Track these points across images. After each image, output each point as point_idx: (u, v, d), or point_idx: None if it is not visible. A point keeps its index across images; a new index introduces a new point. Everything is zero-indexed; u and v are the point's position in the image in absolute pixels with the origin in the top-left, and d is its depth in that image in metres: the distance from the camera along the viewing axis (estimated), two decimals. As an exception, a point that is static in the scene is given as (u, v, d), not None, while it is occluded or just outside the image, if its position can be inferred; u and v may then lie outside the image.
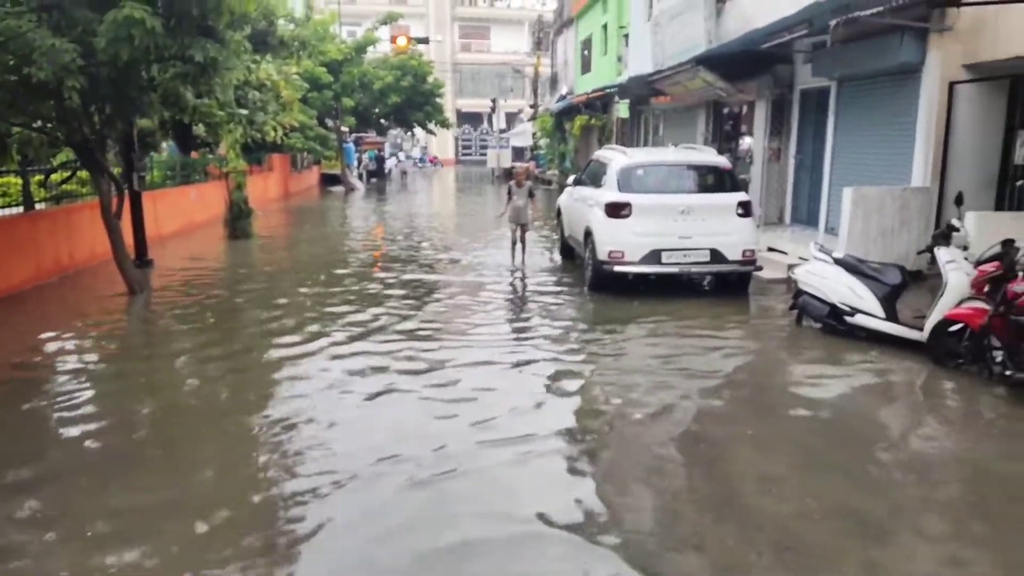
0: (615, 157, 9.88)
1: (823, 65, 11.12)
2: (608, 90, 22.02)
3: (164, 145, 17.14)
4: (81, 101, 7.76)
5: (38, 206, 10.67)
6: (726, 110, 15.87)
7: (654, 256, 8.86)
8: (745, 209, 9.13)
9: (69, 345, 7.28)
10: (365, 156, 36.71)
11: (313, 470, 4.39)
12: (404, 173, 42.53)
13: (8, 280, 9.15)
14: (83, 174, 10.71)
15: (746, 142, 14.85)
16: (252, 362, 6.76)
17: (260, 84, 16.43)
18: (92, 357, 7.02)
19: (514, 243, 11.71)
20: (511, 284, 10.31)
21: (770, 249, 11.10)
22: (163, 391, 6.04)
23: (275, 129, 18.12)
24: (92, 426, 5.21)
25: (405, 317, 8.13)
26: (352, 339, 7.23)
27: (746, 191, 10.61)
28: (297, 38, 16.86)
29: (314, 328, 7.68)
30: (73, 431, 5.13)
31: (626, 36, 21.76)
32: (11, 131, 8.32)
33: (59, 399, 5.74)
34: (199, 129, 15.74)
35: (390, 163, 41.85)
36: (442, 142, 55.32)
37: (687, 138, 16.17)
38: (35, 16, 7.14)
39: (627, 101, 21.71)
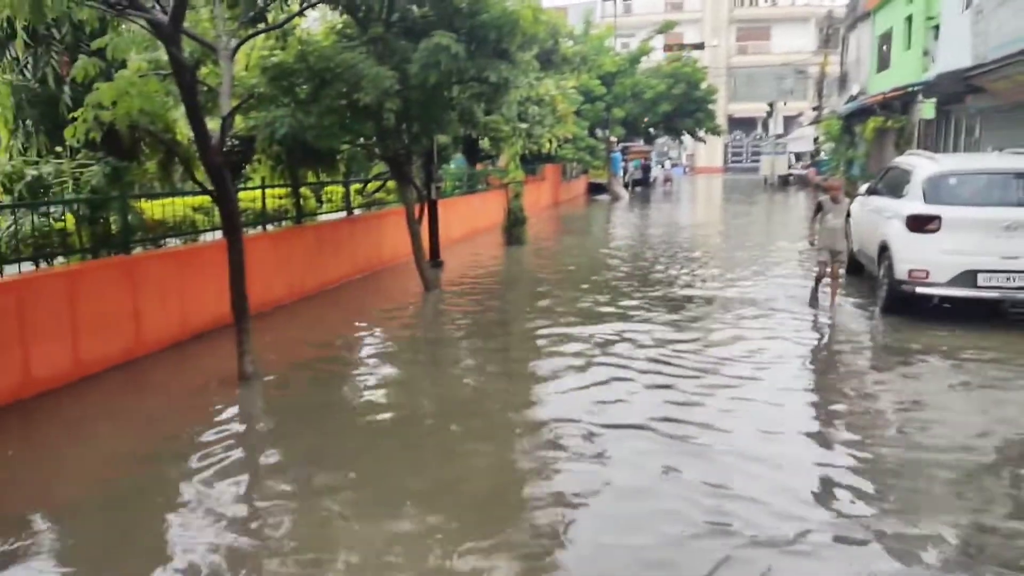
0: (921, 164, 8.80)
1: None
2: (911, 88, 19.75)
3: (454, 158, 18.81)
4: (396, 121, 8.84)
5: (355, 212, 12.32)
6: (1067, 107, 13.35)
7: (968, 278, 7.72)
8: (1091, 226, 7.59)
9: (376, 331, 8.42)
10: (631, 165, 36.98)
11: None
12: (667, 180, 42.10)
13: (331, 275, 10.67)
14: (390, 184, 12.13)
15: (1094, 145, 12.34)
16: (520, 357, 7.18)
17: (539, 99, 17.35)
18: (390, 345, 7.99)
19: (820, 278, 8.93)
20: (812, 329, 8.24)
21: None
22: (444, 376, 6.65)
23: (550, 141, 19.03)
24: (385, 407, 5.89)
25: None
26: (608, 352, 7.13)
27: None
28: (578, 54, 17.47)
29: (567, 329, 7.95)
30: (370, 407, 5.84)
31: (935, 28, 19.33)
32: (340, 148, 9.69)
33: (362, 377, 6.60)
34: (485, 143, 17.05)
35: (656, 172, 41.71)
36: (711, 150, 53.71)
37: (1014, 142, 13.85)
38: (365, 49, 8.24)
39: (933, 100, 19.25)
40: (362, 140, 9.63)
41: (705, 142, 40.09)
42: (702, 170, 54.76)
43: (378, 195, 12.88)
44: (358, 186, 12.43)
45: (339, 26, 9.26)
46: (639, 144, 38.74)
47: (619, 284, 10.81)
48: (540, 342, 7.65)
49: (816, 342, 7.79)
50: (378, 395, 6.27)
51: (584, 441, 4.97)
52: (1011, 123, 15.11)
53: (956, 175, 8.39)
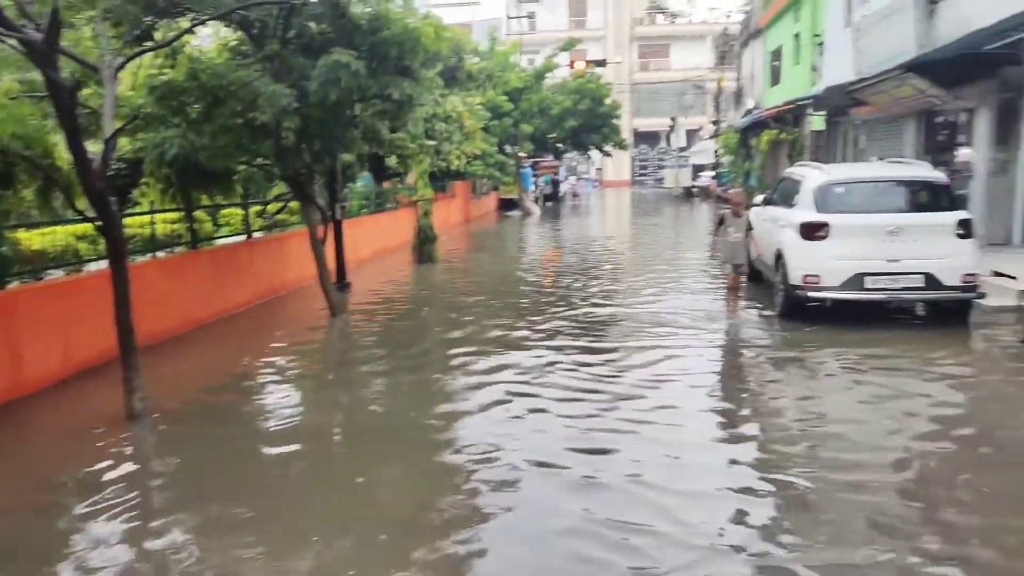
0: (810, 174, 9.23)
1: (1063, 63, 9.72)
2: (801, 102, 20.82)
3: (360, 176, 18.52)
4: (295, 139, 8.58)
5: (256, 235, 11.89)
6: (939, 119, 14.36)
7: (856, 281, 8.13)
8: (966, 229, 8.15)
9: (278, 359, 8.01)
10: (541, 180, 37.48)
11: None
12: (575, 195, 42.88)
13: (230, 301, 10.23)
14: (293, 205, 11.78)
15: (964, 154, 13.30)
16: (432, 382, 7.02)
17: (446, 116, 17.34)
18: (294, 372, 7.64)
19: (730, 288, 9.18)
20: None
21: (995, 273, 9.79)
22: (352, 405, 6.42)
23: (459, 158, 19.03)
24: (284, 434, 5.64)
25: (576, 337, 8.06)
26: (522, 374, 6.96)
27: (966, 208, 9.50)
28: (483, 71, 17.55)
29: (480, 350, 7.80)
30: (271, 440, 5.58)
31: (821, 44, 20.47)
32: (236, 169, 9.32)
33: (260, 408, 6.29)
34: (392, 160, 16.87)
35: (564, 186, 42.41)
36: (618, 164, 55.09)
37: (894, 151, 14.83)
38: (260, 66, 7.97)
39: (823, 113, 20.38)
40: (260, 160, 9.30)
41: (612, 156, 41.05)
42: (611, 184, 56.10)
43: (280, 216, 12.49)
44: (258, 208, 12.02)
45: (233, 43, 8.95)
46: (549, 159, 39.31)
47: (532, 303, 10.72)
48: (452, 366, 7.49)
49: (722, 357, 7.77)
50: (279, 428, 5.97)
51: (495, 471, 4.82)
52: (891, 134, 16.15)
53: (842, 184, 8.84)
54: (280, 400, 6.72)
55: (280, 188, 11.54)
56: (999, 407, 5.89)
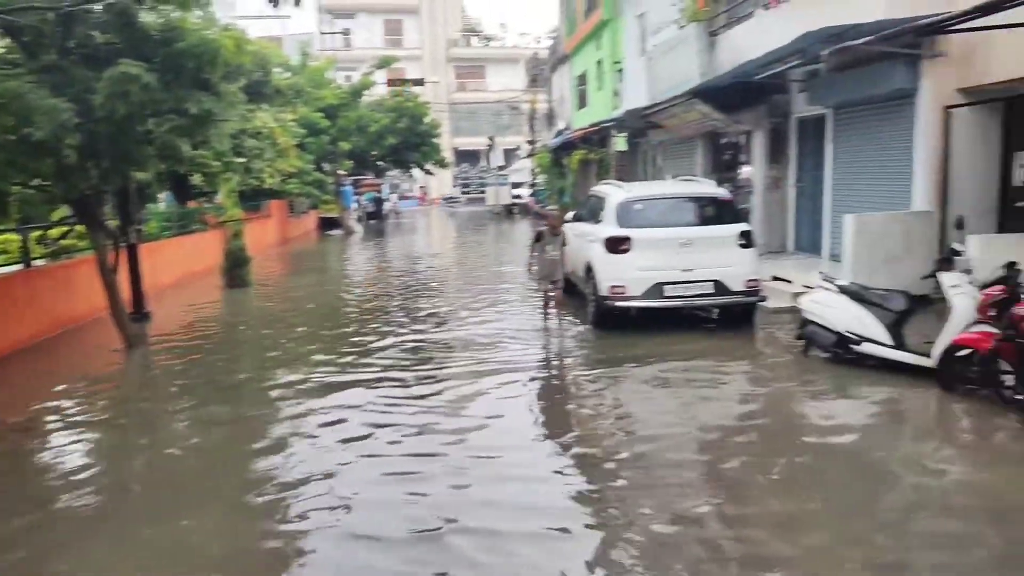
0: (613, 192, 9.86)
1: (818, 93, 11.18)
2: (605, 124, 22.17)
3: (161, 196, 17.21)
4: (79, 157, 7.77)
5: (36, 262, 10.66)
6: (724, 140, 15.94)
7: (656, 290, 8.78)
8: (747, 239, 9.07)
9: (64, 403, 7.16)
10: (363, 198, 36.93)
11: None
12: (397, 213, 42.76)
13: (7, 338, 9.08)
14: (81, 228, 10.70)
15: (746, 171, 14.86)
16: (241, 419, 6.62)
17: (256, 132, 16.59)
18: (84, 417, 6.86)
19: (546, 304, 9.64)
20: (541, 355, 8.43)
21: (774, 278, 10.97)
22: (152, 451, 5.93)
23: (272, 176, 18.27)
24: (79, 487, 5.10)
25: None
26: (343, 408, 6.56)
27: (747, 221, 10.58)
28: (293, 86, 17.02)
29: (301, 386, 7.35)
30: (61, 491, 5.01)
31: (621, 71, 21.98)
32: (10, 190, 8.31)
33: (48, 461, 5.61)
34: (196, 179, 15.83)
35: (388, 205, 42.11)
36: (441, 181, 55.66)
37: (686, 169, 16.21)
38: (34, 77, 7.18)
39: (625, 135, 21.85)
40: (38, 180, 8.36)
41: (434, 174, 41.34)
42: (436, 201, 56.45)
43: (67, 242, 11.27)
44: (39, 233, 10.78)
45: (0, 51, 8.00)
46: (370, 177, 38.83)
47: (352, 328, 10.43)
48: (263, 400, 7.06)
49: (546, 373, 7.78)
50: (63, 484, 5.28)
51: (313, 526, 4.41)
52: (684, 154, 17.68)
53: (641, 201, 9.52)
54: (61, 451, 5.94)
55: (65, 211, 10.44)
56: (776, 393, 6.66)
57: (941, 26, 7.77)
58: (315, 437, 5.90)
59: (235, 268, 14.38)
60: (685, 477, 4.88)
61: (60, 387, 7.72)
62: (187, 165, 10.83)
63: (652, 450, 5.31)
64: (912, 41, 8.78)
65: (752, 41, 11.92)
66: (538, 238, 9.38)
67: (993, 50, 8.28)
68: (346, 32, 49.26)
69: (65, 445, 6.06)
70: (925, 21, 7.88)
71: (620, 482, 4.84)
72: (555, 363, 8.22)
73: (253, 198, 20.64)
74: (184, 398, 7.32)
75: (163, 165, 9.29)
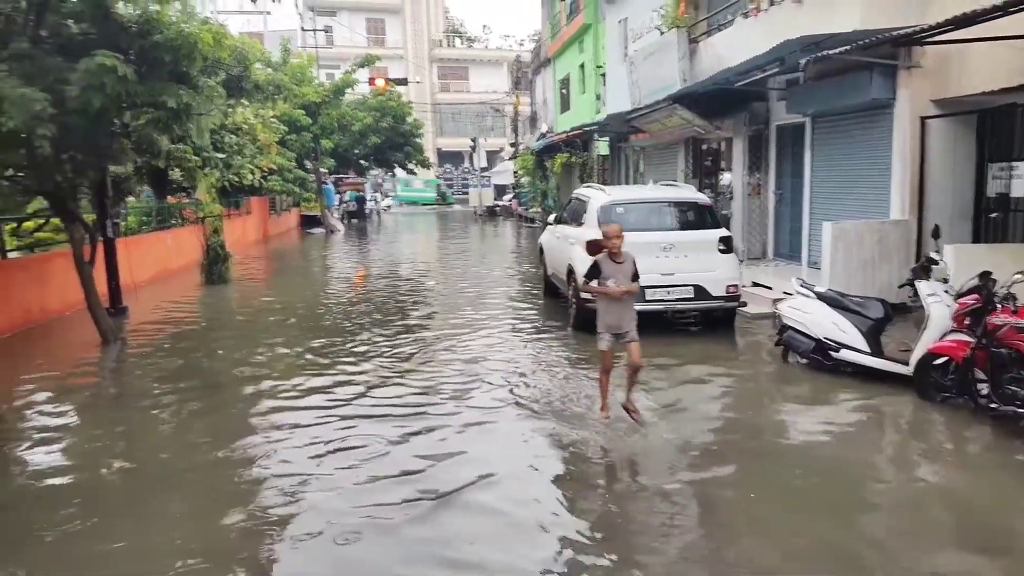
0: (595, 195, 9.87)
1: (797, 102, 11.27)
2: (587, 128, 22.19)
3: (141, 190, 17.00)
4: (52, 149, 7.63)
5: (11, 255, 10.46)
6: (705, 146, 16.02)
7: (638, 294, 8.77)
8: (727, 245, 9.11)
9: (37, 397, 7.03)
10: (346, 197, 36.71)
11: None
12: (379, 213, 42.53)
13: (-24, 332, 8.91)
14: (57, 221, 10.53)
15: (726, 177, 14.96)
16: (218, 417, 6.50)
17: (236, 128, 16.45)
18: (58, 411, 6.73)
19: (607, 370, 6.03)
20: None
21: (754, 284, 11.09)
22: (127, 447, 5.82)
23: (252, 172, 18.12)
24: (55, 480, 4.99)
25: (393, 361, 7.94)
26: (328, 406, 6.49)
27: (728, 226, 10.63)
28: (273, 82, 16.89)
29: (273, 384, 7.28)
30: (33, 496, 4.90)
31: (604, 75, 22.02)
32: (-19, 181, 8.17)
33: (22, 455, 5.49)
34: (175, 174, 15.66)
35: (370, 203, 41.90)
36: (425, 183, 55.48)
37: (668, 174, 16.28)
38: (5, 66, 7.05)
39: (607, 139, 21.90)
40: (10, 172, 8.21)
41: (416, 174, 41.27)
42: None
43: (43, 235, 11.08)
44: (13, 225, 10.59)
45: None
46: (353, 176, 38.62)
47: (331, 333, 10.14)
48: (239, 397, 6.96)
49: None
50: (39, 486, 5.13)
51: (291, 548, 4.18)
52: (666, 159, 17.75)
53: (622, 204, 9.52)
54: (40, 446, 5.82)
55: (40, 203, 10.27)
56: (753, 398, 6.72)
57: (918, 37, 7.86)
58: (279, 428, 5.88)
59: (214, 264, 14.23)
60: (655, 483, 4.87)
61: (31, 381, 7.55)
62: (165, 159, 10.74)
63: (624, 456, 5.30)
64: (889, 52, 8.88)
65: (733, 48, 12.01)
66: (594, 272, 6.02)
67: (967, 62, 8.40)
68: (328, 30, 48.93)
69: (34, 441, 5.92)
70: (902, 32, 7.97)
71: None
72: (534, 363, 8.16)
73: (233, 194, 20.46)
74: (158, 393, 7.16)
75: (140, 159, 9.19)
